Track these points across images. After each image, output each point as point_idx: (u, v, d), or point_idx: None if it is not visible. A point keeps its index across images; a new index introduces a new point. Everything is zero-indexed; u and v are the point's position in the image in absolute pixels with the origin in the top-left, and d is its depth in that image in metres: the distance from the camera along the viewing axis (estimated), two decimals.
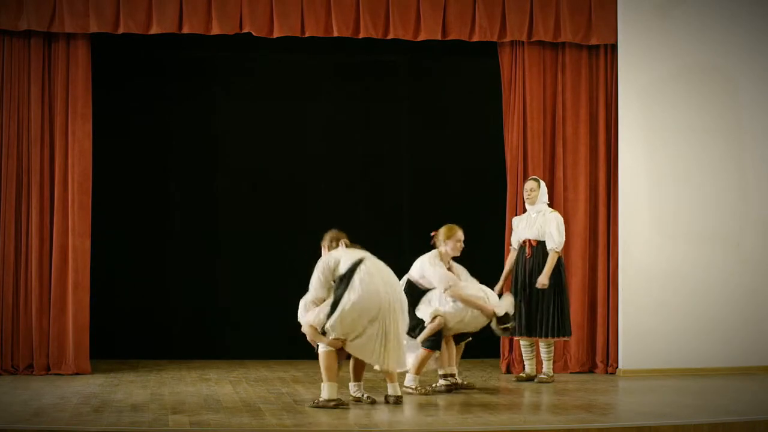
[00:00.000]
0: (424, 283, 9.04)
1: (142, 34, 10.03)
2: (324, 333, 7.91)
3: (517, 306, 9.49)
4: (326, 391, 7.92)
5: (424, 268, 9.01)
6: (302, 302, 8.15)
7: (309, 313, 8.02)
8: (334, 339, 7.89)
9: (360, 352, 7.96)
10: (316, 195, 11.69)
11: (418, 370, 8.86)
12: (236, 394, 8.68)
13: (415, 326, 8.80)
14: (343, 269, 7.97)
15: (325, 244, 8.34)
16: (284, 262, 11.43)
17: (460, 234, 9.08)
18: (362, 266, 7.94)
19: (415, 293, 8.97)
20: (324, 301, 8.00)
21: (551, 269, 9.67)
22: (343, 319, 7.83)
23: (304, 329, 8.07)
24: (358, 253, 8.08)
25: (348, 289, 7.86)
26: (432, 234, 9.15)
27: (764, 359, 10.66)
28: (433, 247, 9.13)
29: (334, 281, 7.99)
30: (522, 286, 9.77)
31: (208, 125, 11.65)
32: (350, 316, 7.83)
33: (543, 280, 9.64)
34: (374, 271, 7.97)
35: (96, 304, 10.31)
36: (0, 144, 9.99)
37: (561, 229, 9.76)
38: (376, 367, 8.16)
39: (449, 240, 9.05)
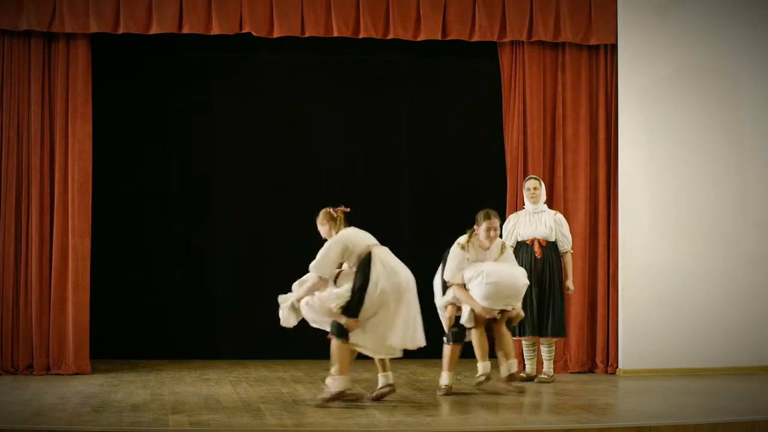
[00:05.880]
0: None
1: (142, 34, 10.04)
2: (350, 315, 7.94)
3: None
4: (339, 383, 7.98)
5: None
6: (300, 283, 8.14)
7: (324, 294, 7.96)
8: (353, 321, 7.90)
9: (373, 334, 7.96)
10: (316, 195, 11.67)
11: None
12: (236, 394, 8.68)
13: None
14: (357, 251, 8.01)
15: (327, 223, 8.22)
16: (284, 261, 11.42)
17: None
18: (376, 249, 8.04)
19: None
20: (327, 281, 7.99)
21: (571, 271, 9.81)
22: (370, 299, 7.89)
23: (324, 311, 7.94)
24: (363, 235, 8.14)
25: (372, 271, 7.93)
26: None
27: (764, 359, 10.66)
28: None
29: (352, 265, 8.01)
30: (530, 285, 9.65)
31: (208, 125, 11.65)
32: (379, 298, 7.91)
33: (570, 285, 9.78)
34: (386, 253, 8.09)
35: (96, 304, 10.31)
36: (0, 144, 10.00)
37: (568, 229, 9.88)
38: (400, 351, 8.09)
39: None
